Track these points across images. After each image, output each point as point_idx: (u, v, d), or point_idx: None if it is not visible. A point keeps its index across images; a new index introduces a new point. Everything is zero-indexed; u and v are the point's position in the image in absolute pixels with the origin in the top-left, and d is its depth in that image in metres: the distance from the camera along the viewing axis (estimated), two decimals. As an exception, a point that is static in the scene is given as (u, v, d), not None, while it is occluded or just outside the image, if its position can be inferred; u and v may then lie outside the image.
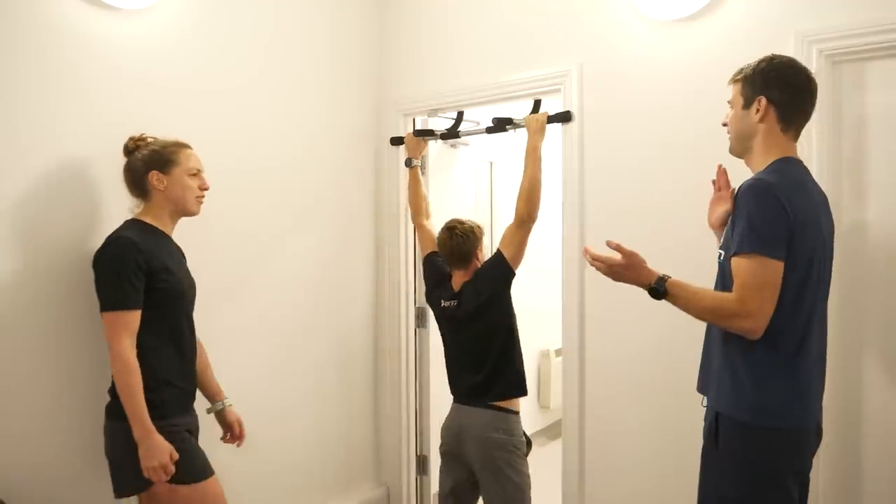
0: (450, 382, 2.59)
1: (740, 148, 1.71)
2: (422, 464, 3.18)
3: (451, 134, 2.96)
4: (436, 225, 2.70)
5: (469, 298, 2.48)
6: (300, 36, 2.81)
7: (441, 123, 3.10)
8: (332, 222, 2.98)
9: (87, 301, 1.96)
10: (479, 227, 2.57)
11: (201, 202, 2.05)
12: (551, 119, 2.56)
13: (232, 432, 2.22)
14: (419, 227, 2.83)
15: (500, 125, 2.76)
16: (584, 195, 2.55)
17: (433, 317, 2.72)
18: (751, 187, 1.57)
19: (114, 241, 1.90)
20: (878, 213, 2.04)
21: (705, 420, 1.73)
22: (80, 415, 2.08)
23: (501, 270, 2.46)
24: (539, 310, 3.74)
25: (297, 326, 2.82)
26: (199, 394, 2.12)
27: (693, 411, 1.85)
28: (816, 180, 1.72)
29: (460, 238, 2.50)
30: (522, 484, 2.41)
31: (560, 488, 2.66)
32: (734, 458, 1.60)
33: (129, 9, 2.20)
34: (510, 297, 2.49)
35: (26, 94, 1.97)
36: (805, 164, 1.69)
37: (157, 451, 1.81)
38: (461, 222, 2.54)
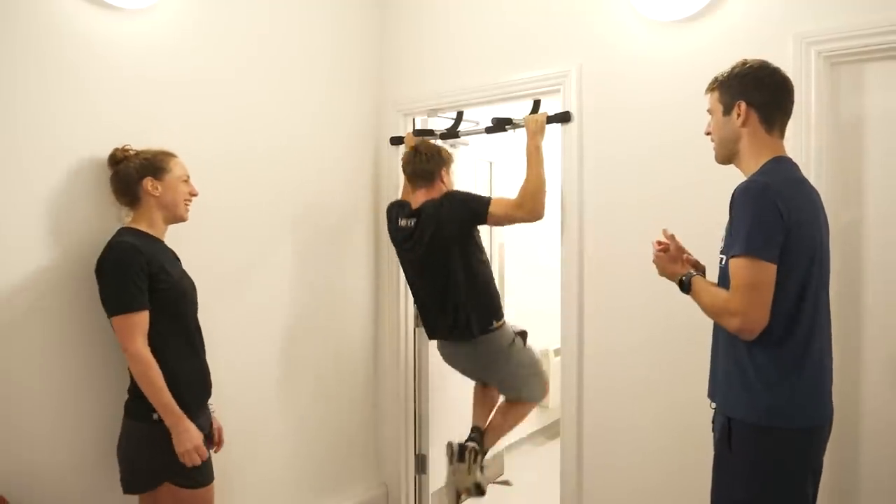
0: (423, 324, 2.75)
1: (725, 154, 1.74)
2: (421, 463, 3.18)
3: (451, 134, 2.96)
4: None
5: (429, 220, 2.51)
6: (300, 35, 2.81)
7: (441, 123, 3.11)
8: (332, 221, 2.99)
9: (93, 301, 1.97)
10: (447, 151, 2.64)
11: (188, 208, 2.11)
12: (551, 119, 2.57)
13: (210, 439, 2.21)
14: None
15: (500, 125, 2.77)
16: (583, 195, 2.55)
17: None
18: (746, 189, 1.58)
19: (115, 246, 1.93)
20: (875, 214, 2.05)
21: (713, 422, 1.74)
22: (85, 413, 2.09)
23: (475, 211, 2.48)
24: (538, 310, 3.74)
25: (297, 326, 2.83)
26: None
27: (692, 410, 1.86)
28: (814, 181, 1.74)
29: (424, 157, 2.59)
30: (525, 359, 2.62)
31: (558, 487, 2.67)
32: (747, 460, 1.62)
33: (130, 8, 2.20)
34: (475, 239, 2.55)
35: (26, 94, 1.98)
36: (803, 164, 1.71)
37: (189, 434, 1.91)
38: (427, 144, 2.62)
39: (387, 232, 3.12)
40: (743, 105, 1.65)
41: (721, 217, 1.74)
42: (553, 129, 2.58)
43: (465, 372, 2.78)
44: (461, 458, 2.62)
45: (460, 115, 2.93)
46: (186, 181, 2.09)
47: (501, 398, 2.79)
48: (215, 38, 2.49)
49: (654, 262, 1.83)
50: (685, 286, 1.73)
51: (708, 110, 1.76)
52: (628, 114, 2.45)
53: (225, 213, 2.50)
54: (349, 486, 3.09)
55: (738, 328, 1.57)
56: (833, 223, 1.77)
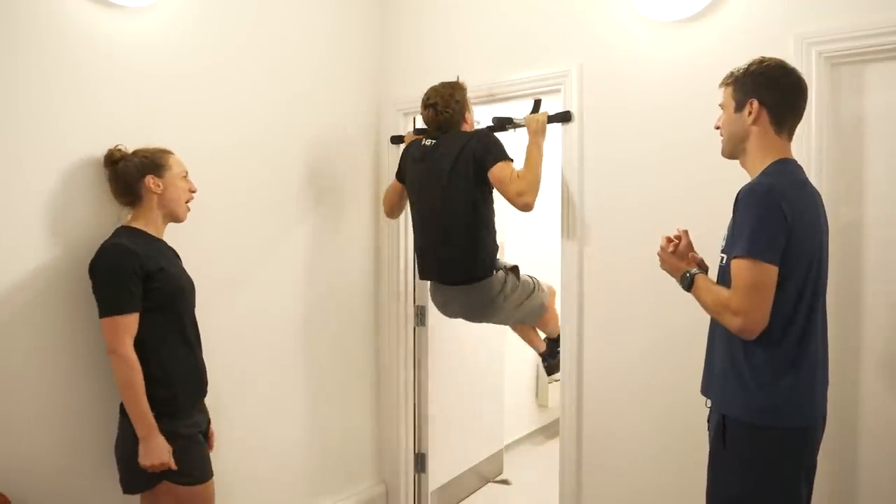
0: (419, 263, 2.74)
1: (732, 150, 1.74)
2: (420, 461, 3.19)
3: (452, 133, 2.95)
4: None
5: (455, 143, 2.50)
6: (301, 34, 2.81)
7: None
8: (332, 220, 2.99)
9: (91, 299, 1.96)
10: (458, 87, 2.59)
11: (188, 206, 2.11)
12: (551, 119, 2.57)
13: (206, 436, 2.18)
14: (390, 215, 2.92)
15: (500, 125, 2.77)
16: (584, 195, 2.56)
17: (432, 316, 2.75)
18: (751, 191, 1.59)
19: (108, 248, 1.93)
20: (875, 214, 2.06)
21: (709, 421, 1.75)
22: (86, 412, 2.09)
23: (484, 158, 2.45)
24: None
25: (297, 325, 2.83)
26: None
27: (691, 410, 1.86)
28: (815, 181, 1.74)
29: (446, 114, 2.55)
30: (521, 296, 2.66)
31: (557, 486, 2.68)
32: (742, 458, 1.63)
33: (131, 6, 2.20)
34: (487, 183, 2.49)
35: (27, 92, 1.98)
36: (803, 164, 1.71)
37: (160, 450, 1.88)
38: (439, 93, 2.56)
39: (386, 230, 3.14)
40: (755, 103, 1.65)
41: (721, 217, 1.75)
42: (553, 129, 2.58)
43: (460, 316, 2.72)
44: (554, 370, 2.81)
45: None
46: (185, 177, 2.09)
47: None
48: (216, 36, 2.49)
49: (659, 254, 1.83)
50: (688, 283, 1.73)
51: (720, 105, 1.76)
52: (629, 113, 2.45)
53: (225, 212, 2.50)
54: (349, 484, 3.09)
55: (739, 328, 1.58)
56: (833, 223, 1.77)
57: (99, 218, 2.10)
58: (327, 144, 2.94)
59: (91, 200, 2.10)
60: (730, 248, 1.62)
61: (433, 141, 2.58)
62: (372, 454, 3.21)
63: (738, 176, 1.73)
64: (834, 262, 1.76)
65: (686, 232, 1.82)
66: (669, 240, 1.82)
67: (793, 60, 2.05)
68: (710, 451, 1.72)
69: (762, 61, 1.67)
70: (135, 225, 2.02)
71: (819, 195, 1.70)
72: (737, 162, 1.76)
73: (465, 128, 2.60)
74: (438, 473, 3.26)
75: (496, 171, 2.43)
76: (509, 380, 3.94)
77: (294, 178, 2.79)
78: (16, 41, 1.95)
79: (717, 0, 2.25)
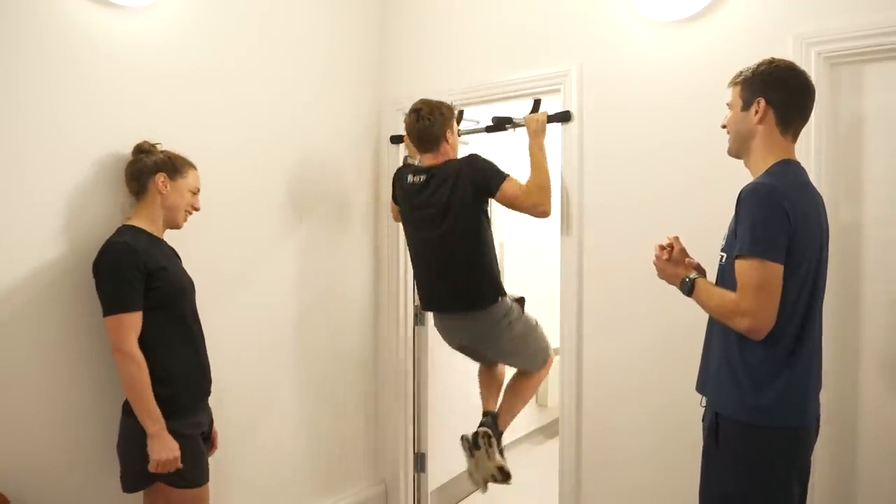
0: (420, 294, 2.66)
1: (738, 149, 1.74)
2: (419, 461, 3.19)
3: (451, 133, 2.96)
4: None
5: (447, 179, 2.43)
6: (301, 34, 2.81)
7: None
8: (332, 220, 2.99)
9: (93, 298, 1.97)
10: (447, 106, 2.52)
11: (187, 218, 2.12)
12: (551, 119, 2.57)
13: (208, 438, 2.19)
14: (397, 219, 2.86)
15: (500, 124, 2.77)
16: (584, 195, 2.56)
17: (431, 316, 2.73)
18: (753, 191, 1.58)
19: (111, 246, 1.94)
20: (874, 214, 2.06)
21: (704, 419, 1.75)
22: (88, 410, 2.09)
23: (490, 182, 2.40)
24: (537, 309, 3.74)
25: (296, 325, 2.83)
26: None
27: (690, 410, 1.86)
28: (814, 180, 1.74)
29: (427, 121, 2.47)
30: (525, 328, 2.56)
31: (557, 486, 2.68)
32: (735, 457, 1.63)
33: (131, 6, 2.21)
34: (484, 210, 2.47)
35: (27, 93, 1.98)
36: (803, 164, 1.71)
37: (170, 444, 1.89)
38: (427, 102, 2.51)
39: (386, 230, 3.14)
40: (762, 102, 1.65)
41: (721, 216, 1.75)
42: (553, 129, 2.59)
43: (462, 348, 2.66)
44: (476, 446, 2.53)
45: (461, 113, 2.92)
46: (195, 193, 2.12)
47: (506, 377, 2.73)
48: (216, 35, 2.49)
49: (655, 263, 1.83)
50: (688, 288, 1.72)
51: (728, 104, 1.75)
52: (629, 113, 2.45)
53: (224, 212, 2.50)
54: (348, 484, 3.09)
55: (748, 328, 1.57)
56: (833, 223, 1.77)
57: (100, 217, 2.10)
58: (327, 144, 2.94)
59: (92, 199, 2.10)
60: (731, 248, 1.62)
61: (422, 177, 2.52)
62: (371, 454, 3.21)
63: (737, 174, 1.73)
64: (834, 262, 1.76)
65: (677, 238, 1.81)
66: (662, 248, 1.81)
67: (792, 60, 2.06)
68: (703, 450, 1.73)
69: (772, 62, 1.68)
70: (136, 223, 2.02)
71: (820, 197, 1.70)
72: (736, 161, 1.76)
73: (446, 148, 2.52)
74: (438, 473, 3.26)
75: (506, 192, 2.41)
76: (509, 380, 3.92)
77: (294, 177, 2.79)
78: (16, 41, 1.95)
79: (716, 0, 2.26)
